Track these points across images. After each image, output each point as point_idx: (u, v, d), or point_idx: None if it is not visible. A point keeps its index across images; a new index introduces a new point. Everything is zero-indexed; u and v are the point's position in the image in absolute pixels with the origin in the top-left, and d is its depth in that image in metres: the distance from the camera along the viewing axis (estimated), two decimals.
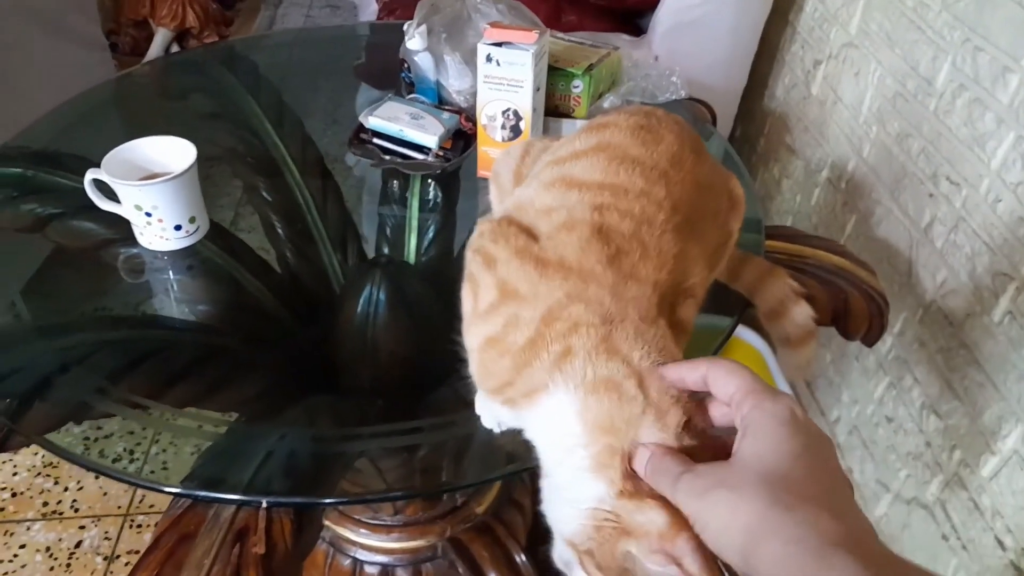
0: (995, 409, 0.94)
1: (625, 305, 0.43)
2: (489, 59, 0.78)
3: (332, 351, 0.80)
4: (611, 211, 0.48)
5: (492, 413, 0.60)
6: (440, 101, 0.91)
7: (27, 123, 0.97)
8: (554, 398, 0.42)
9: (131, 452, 0.60)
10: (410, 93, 0.93)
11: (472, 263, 0.51)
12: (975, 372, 0.97)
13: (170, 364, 0.75)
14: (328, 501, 0.57)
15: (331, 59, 1.26)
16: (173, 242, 0.75)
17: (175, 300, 0.81)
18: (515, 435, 0.54)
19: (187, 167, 0.71)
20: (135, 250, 0.78)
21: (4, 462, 1.44)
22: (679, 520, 0.37)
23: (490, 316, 0.46)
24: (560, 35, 0.95)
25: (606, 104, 0.89)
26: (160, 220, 0.72)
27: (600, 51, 0.92)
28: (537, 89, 0.80)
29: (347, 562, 1.01)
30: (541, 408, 0.43)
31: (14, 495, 1.39)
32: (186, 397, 0.73)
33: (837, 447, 1.33)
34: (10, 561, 1.30)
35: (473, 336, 0.48)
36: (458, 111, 0.89)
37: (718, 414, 0.41)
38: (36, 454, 1.45)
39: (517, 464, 0.60)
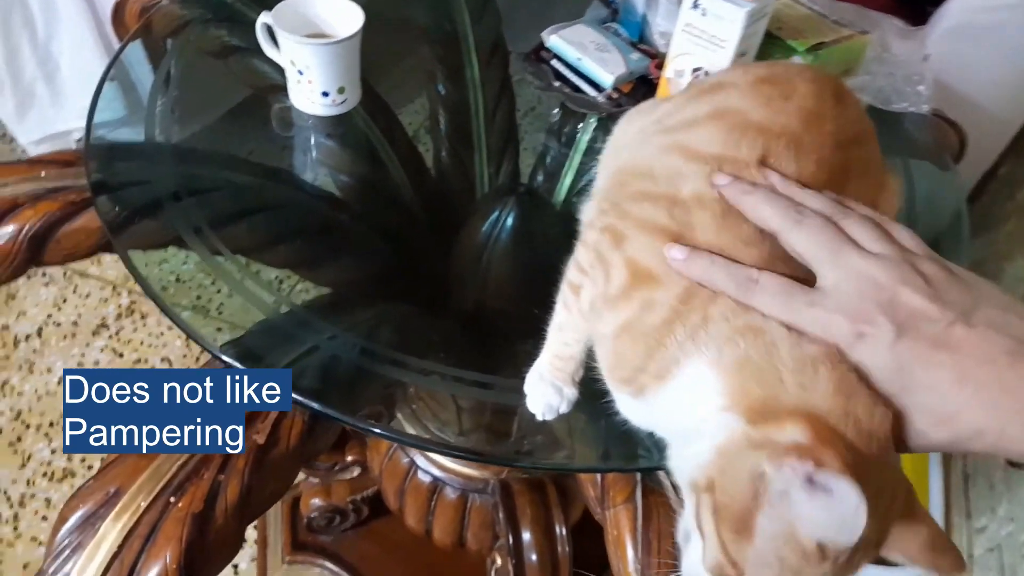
0: None
1: None
2: (696, 5, 0.66)
3: (445, 261, 0.77)
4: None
5: (545, 398, 0.54)
6: (640, 39, 0.81)
7: None
8: (691, 365, 0.40)
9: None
10: (613, 19, 0.83)
11: (600, 240, 0.46)
12: None
13: (280, 223, 0.75)
14: (339, 418, 0.54)
15: None
16: (318, 107, 0.74)
17: (311, 161, 0.81)
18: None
19: (346, 36, 0.68)
20: (290, 103, 0.78)
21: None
22: (821, 435, 0.35)
23: (621, 301, 0.43)
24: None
25: None
26: (310, 81, 0.71)
27: (843, 30, 0.76)
28: (742, 54, 0.68)
29: (405, 460, 1.03)
30: (677, 381, 0.40)
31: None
32: (283, 259, 0.73)
33: (969, 558, 1.14)
34: (158, 336, 1.47)
35: (606, 323, 0.44)
36: (652, 55, 0.78)
37: None
38: None
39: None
